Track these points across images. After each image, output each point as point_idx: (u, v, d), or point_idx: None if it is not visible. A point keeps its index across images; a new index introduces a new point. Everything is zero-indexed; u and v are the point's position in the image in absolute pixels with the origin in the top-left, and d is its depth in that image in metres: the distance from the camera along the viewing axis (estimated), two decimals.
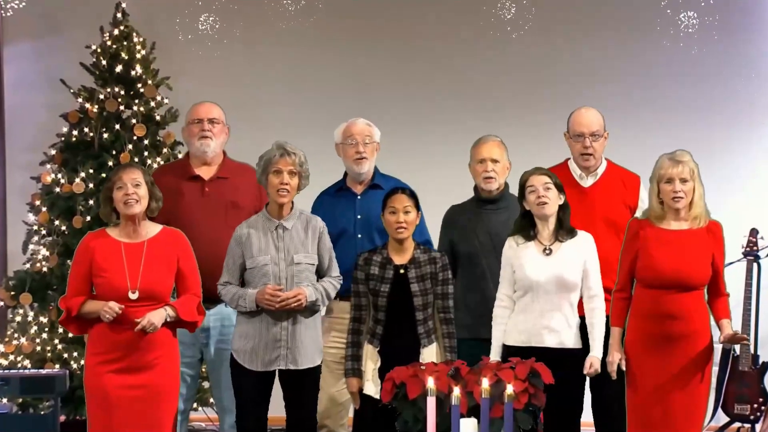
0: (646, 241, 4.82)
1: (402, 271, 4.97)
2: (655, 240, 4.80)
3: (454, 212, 5.36)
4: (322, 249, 5.00)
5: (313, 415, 5.01)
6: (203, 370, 5.66)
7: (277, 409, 5.04)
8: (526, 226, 4.95)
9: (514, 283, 4.94)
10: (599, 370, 4.86)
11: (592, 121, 5.30)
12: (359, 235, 5.32)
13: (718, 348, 5.71)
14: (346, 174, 5.49)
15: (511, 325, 4.92)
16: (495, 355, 4.92)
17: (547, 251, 4.90)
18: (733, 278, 5.86)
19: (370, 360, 4.96)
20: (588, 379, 5.04)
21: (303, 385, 4.94)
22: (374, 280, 4.97)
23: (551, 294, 4.85)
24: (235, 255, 4.94)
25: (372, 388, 4.91)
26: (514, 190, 5.24)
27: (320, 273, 5.02)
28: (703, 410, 4.84)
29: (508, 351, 4.85)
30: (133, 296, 4.65)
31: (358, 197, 5.40)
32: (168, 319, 4.71)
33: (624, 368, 4.83)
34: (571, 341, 4.87)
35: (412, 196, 5.00)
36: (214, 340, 5.26)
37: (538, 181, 4.89)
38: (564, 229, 4.93)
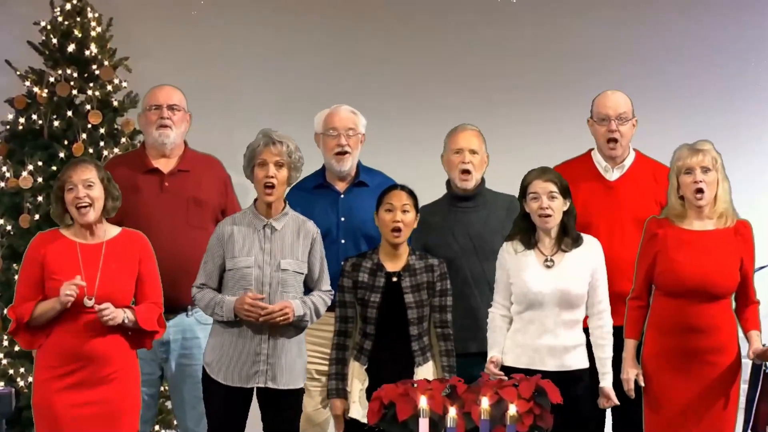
0: (666, 243, 4.80)
1: (395, 279, 4.95)
2: (676, 242, 4.78)
3: (426, 213, 5.25)
4: (314, 257, 4.94)
5: None
6: (164, 388, 5.64)
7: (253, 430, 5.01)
8: (527, 230, 4.89)
9: (511, 295, 4.89)
10: (617, 401, 4.82)
11: (618, 103, 5.32)
12: (343, 240, 5.27)
13: (747, 363, 5.71)
14: (324, 167, 5.44)
15: (508, 342, 4.87)
16: (495, 352, 4.84)
17: (549, 262, 4.84)
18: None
19: (357, 379, 4.94)
20: None
21: (282, 408, 4.88)
22: (363, 289, 4.94)
23: (553, 310, 4.79)
24: (215, 254, 4.89)
25: (358, 410, 4.89)
26: (490, 184, 5.28)
27: (308, 285, 4.96)
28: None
29: (506, 372, 4.76)
30: (89, 302, 4.62)
31: (341, 196, 5.35)
32: (126, 322, 4.67)
33: (642, 383, 4.80)
34: (577, 362, 4.82)
35: (412, 195, 4.98)
36: (175, 355, 5.23)
37: (542, 188, 4.81)
38: (569, 237, 4.86)
